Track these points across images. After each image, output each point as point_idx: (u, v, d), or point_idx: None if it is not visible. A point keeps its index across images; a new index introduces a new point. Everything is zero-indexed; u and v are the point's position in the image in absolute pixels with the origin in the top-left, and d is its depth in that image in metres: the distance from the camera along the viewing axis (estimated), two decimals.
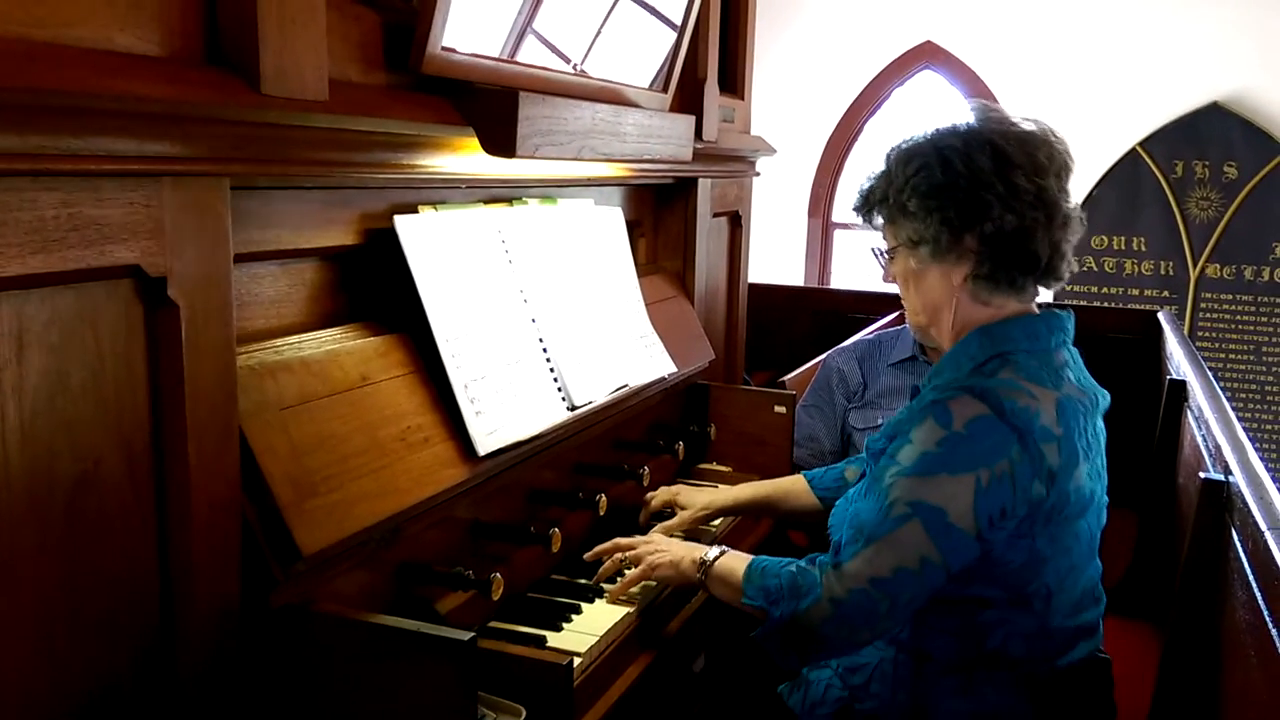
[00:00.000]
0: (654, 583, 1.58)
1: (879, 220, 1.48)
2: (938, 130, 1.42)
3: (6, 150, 0.85)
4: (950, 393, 1.34)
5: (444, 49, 1.37)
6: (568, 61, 1.66)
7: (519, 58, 1.52)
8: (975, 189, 1.34)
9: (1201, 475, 2.00)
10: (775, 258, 5.86)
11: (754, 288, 2.73)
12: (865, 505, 1.37)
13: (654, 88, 1.96)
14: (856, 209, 1.50)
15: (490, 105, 1.41)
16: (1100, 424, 1.44)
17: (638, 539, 1.61)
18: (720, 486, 1.93)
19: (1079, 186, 5.18)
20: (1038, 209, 1.35)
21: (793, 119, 5.76)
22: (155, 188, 0.99)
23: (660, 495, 1.88)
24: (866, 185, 1.48)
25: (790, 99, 5.74)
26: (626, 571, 1.57)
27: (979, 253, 1.37)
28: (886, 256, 1.49)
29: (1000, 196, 1.34)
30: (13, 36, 0.88)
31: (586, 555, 1.63)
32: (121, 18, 0.98)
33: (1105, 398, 1.46)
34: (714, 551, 1.50)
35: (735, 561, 1.47)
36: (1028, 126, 1.41)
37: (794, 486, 1.85)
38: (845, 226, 6.16)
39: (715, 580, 1.48)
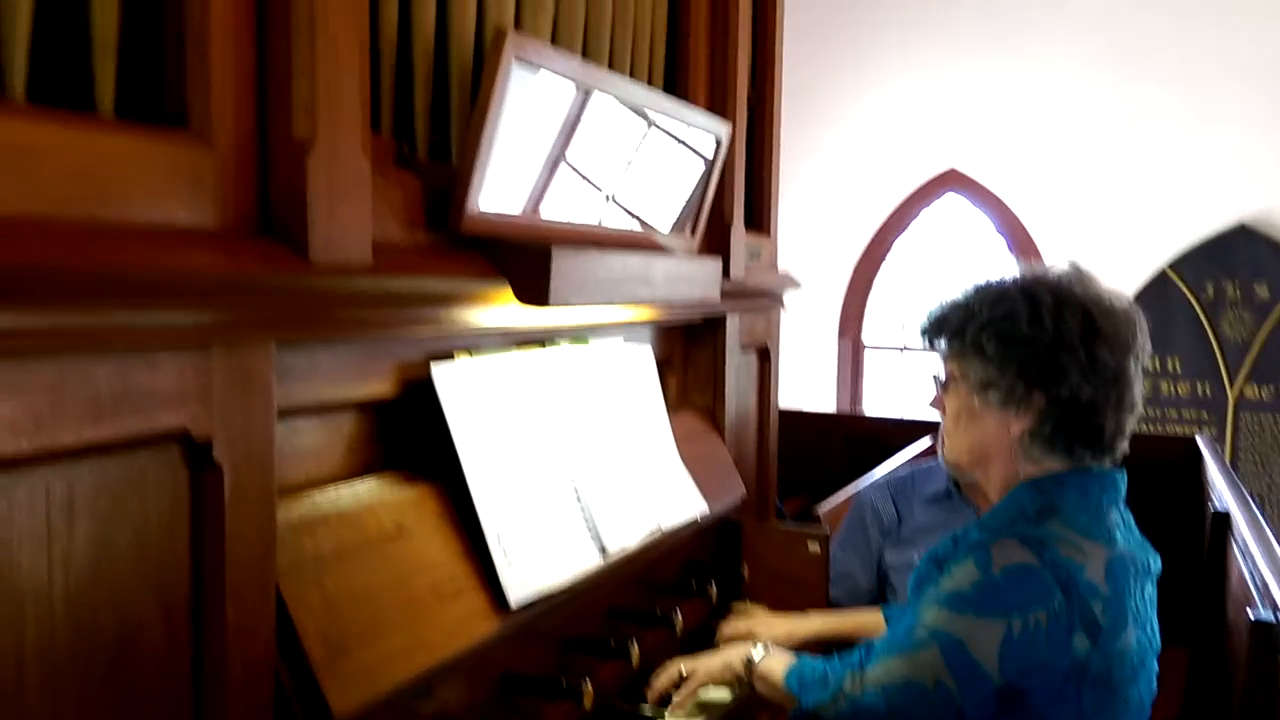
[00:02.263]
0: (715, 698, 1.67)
1: (943, 347, 1.48)
2: (1030, 278, 1.43)
3: (69, 327, 0.90)
4: (994, 537, 1.33)
5: (480, 209, 1.43)
6: (599, 190, 1.71)
7: (551, 189, 1.56)
8: (1059, 350, 1.35)
9: (1251, 615, 1.94)
10: (806, 379, 5.88)
11: (785, 414, 2.74)
12: (902, 622, 1.42)
13: (682, 231, 2.02)
14: (924, 331, 1.51)
15: (524, 260, 1.46)
16: (1152, 590, 1.41)
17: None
18: (796, 616, 1.95)
19: None
20: (1113, 386, 1.36)
21: (821, 240, 5.87)
22: (205, 354, 1.03)
23: (737, 625, 1.90)
24: (940, 311, 1.48)
25: (819, 221, 5.85)
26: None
27: (1044, 412, 1.37)
28: (943, 388, 1.49)
29: (1081, 364, 1.34)
30: (78, 217, 0.94)
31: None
32: (182, 195, 1.04)
33: (1157, 561, 1.43)
34: (760, 649, 1.60)
35: (780, 656, 1.57)
36: (1119, 302, 1.42)
37: (870, 620, 1.88)
38: (877, 348, 6.19)
39: (760, 676, 1.56)
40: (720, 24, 2.15)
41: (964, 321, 1.42)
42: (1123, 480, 1.42)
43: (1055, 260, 1.51)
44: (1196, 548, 3.11)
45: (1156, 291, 5.13)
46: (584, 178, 1.67)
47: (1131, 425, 1.40)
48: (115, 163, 0.96)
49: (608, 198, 1.74)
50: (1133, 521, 1.45)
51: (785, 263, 2.71)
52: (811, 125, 5.45)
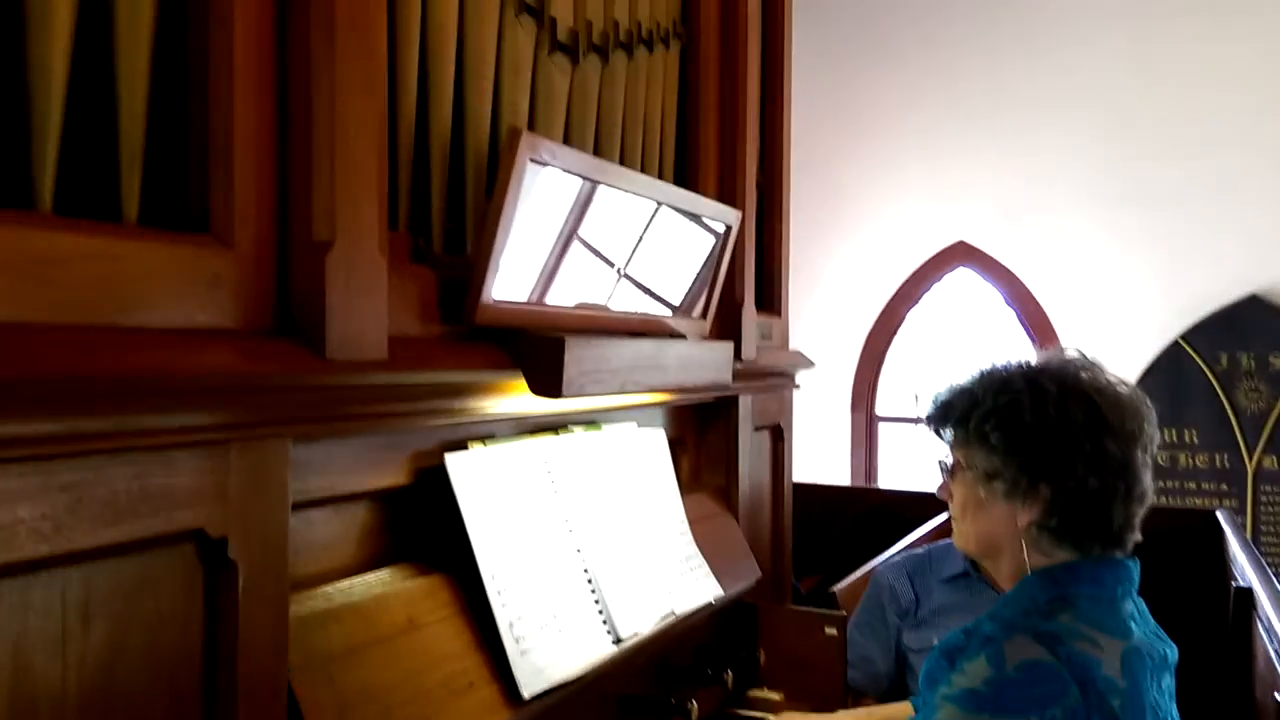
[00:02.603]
0: None
1: (948, 435, 1.47)
2: (1035, 365, 1.42)
3: (92, 432, 0.91)
4: (1007, 631, 1.31)
5: (494, 299, 1.46)
6: (611, 265, 1.73)
7: (563, 275, 1.58)
8: (1063, 441, 1.33)
9: (1277, 696, 1.90)
10: (819, 451, 5.86)
11: (798, 487, 2.72)
12: (919, 716, 1.38)
13: (694, 314, 2.04)
14: (929, 419, 1.50)
15: (538, 351, 1.48)
16: (1170, 681, 1.39)
17: None
18: (824, 717, 1.92)
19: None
20: (1120, 477, 1.34)
21: (832, 312, 5.90)
22: (223, 454, 1.05)
23: None
24: (945, 397, 1.47)
25: (829, 293, 5.89)
26: None
27: (1051, 504, 1.35)
28: (950, 474, 1.48)
29: (1086, 456, 1.32)
30: (103, 322, 0.96)
31: None
32: (202, 297, 1.06)
33: (1173, 652, 1.40)
34: None
35: None
36: (1123, 390, 1.40)
37: (901, 714, 1.84)
38: (889, 420, 6.17)
39: None
40: (729, 114, 2.20)
41: (968, 409, 1.42)
42: (1136, 569, 1.40)
43: (1064, 344, 1.51)
44: (1219, 625, 3.05)
45: (1170, 363, 5.12)
46: (596, 263, 1.69)
47: (1142, 515, 1.39)
48: (139, 269, 0.99)
49: (619, 275, 1.76)
50: (1147, 611, 1.43)
51: (796, 335, 2.73)
52: (820, 200, 5.52)
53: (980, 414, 1.39)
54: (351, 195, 1.16)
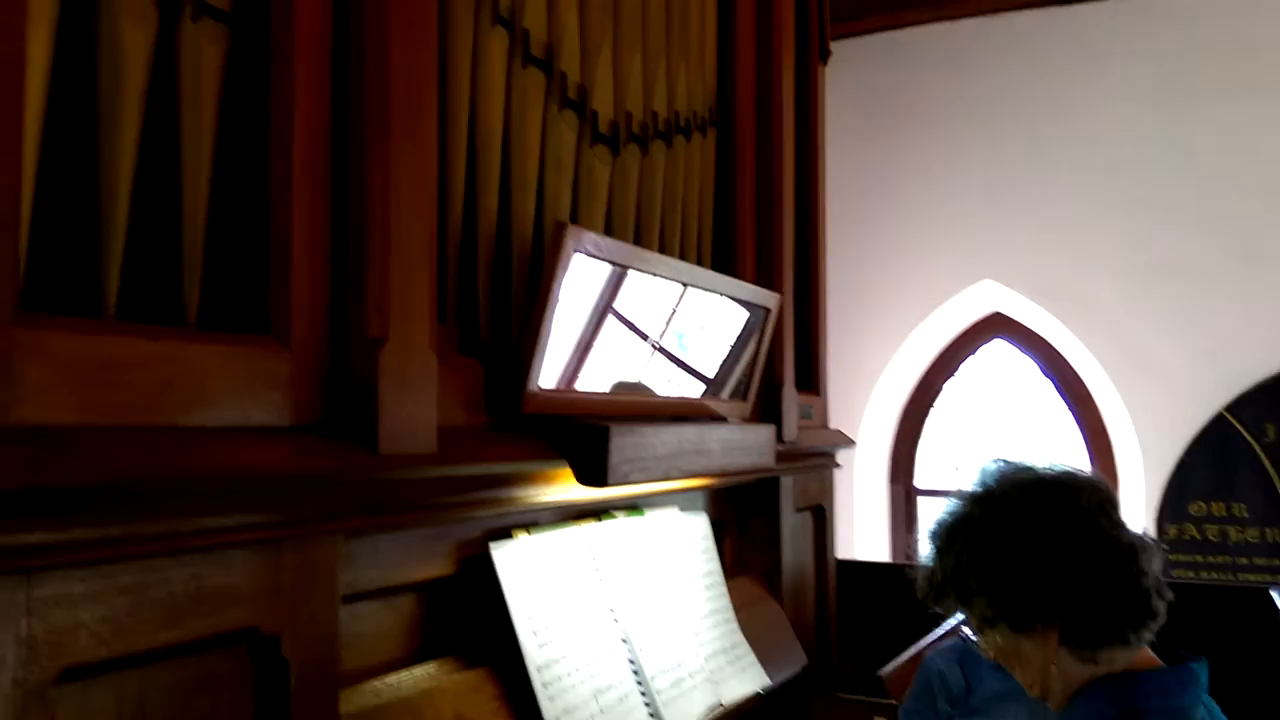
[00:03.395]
0: None
1: (949, 604, 1.42)
2: (971, 499, 1.37)
3: (153, 534, 0.92)
4: None
5: (540, 388, 1.47)
6: (653, 349, 1.73)
7: (599, 339, 1.58)
8: (1029, 560, 1.28)
9: None
10: (857, 525, 5.77)
11: (841, 564, 2.68)
12: None
13: (735, 397, 2.04)
14: (925, 600, 1.45)
15: (583, 439, 1.48)
16: None
17: None
18: None
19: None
20: (1102, 566, 1.28)
21: (866, 383, 5.86)
22: (276, 552, 1.06)
23: None
24: (924, 573, 1.43)
25: (863, 365, 5.86)
26: None
27: (1061, 619, 1.30)
28: (976, 634, 1.44)
29: (1057, 561, 1.27)
30: (162, 424, 0.98)
31: None
32: (259, 395, 1.08)
33: None
34: None
35: None
36: (1045, 473, 1.35)
37: None
38: (929, 493, 6.08)
39: None
40: (766, 198, 2.22)
41: (943, 571, 1.38)
42: (1204, 673, 1.33)
43: (1133, 463, 1.45)
44: (1276, 708, 2.94)
45: (1216, 436, 5.01)
46: (640, 347, 1.70)
47: (1160, 589, 1.31)
48: (199, 370, 1.01)
49: (662, 359, 1.77)
50: (1218, 710, 1.37)
51: (832, 406, 2.71)
52: (854, 272, 5.53)
53: (954, 572, 1.35)
54: (404, 292, 1.19)
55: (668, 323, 1.75)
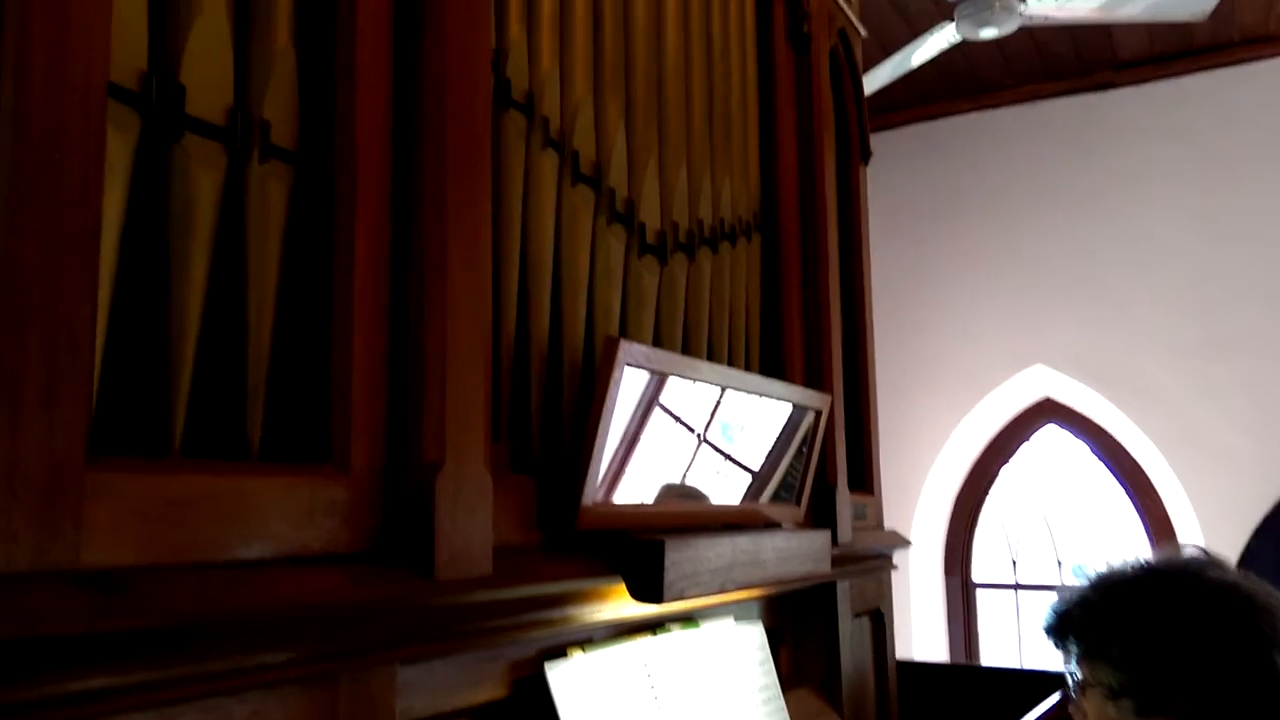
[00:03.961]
0: None
1: (1070, 650, 1.37)
2: (1154, 567, 1.33)
3: (213, 673, 0.92)
4: None
5: (594, 502, 1.46)
6: (691, 431, 1.72)
7: (643, 435, 1.57)
8: (1191, 652, 1.23)
9: None
10: (914, 620, 5.61)
11: (900, 666, 2.59)
12: None
13: (788, 501, 2.01)
14: (1047, 631, 1.41)
15: (637, 555, 1.47)
16: None
17: None
18: None
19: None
20: (1262, 686, 1.22)
21: (917, 473, 5.76)
22: (333, 684, 1.04)
23: None
24: (1061, 607, 1.37)
25: (913, 454, 5.78)
26: None
27: (1185, 713, 1.24)
28: (1079, 690, 1.38)
29: (1219, 666, 1.22)
30: (223, 559, 0.98)
31: None
32: (317, 524, 1.08)
33: None
34: None
35: None
36: (1255, 588, 1.29)
37: None
38: (987, 586, 5.91)
39: None
40: (812, 299, 2.23)
41: (1086, 620, 1.32)
42: None
43: (1183, 543, 1.43)
44: None
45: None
46: (689, 456, 1.69)
47: None
48: (260, 502, 1.02)
49: (713, 467, 1.75)
50: None
51: (883, 501, 2.66)
52: (900, 362, 5.49)
53: (1099, 625, 1.30)
54: (460, 415, 1.19)
55: (713, 415, 1.74)
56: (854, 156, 2.58)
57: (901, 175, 5.77)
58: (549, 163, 1.54)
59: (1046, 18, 3.10)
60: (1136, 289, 5.32)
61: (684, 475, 1.70)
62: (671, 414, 1.67)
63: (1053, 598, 1.40)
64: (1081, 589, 1.37)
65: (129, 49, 0.97)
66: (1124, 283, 5.34)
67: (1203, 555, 1.35)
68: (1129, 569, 1.35)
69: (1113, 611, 1.30)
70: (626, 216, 1.73)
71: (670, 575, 1.47)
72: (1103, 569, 1.37)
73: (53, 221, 0.85)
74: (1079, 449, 5.64)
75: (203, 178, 1.01)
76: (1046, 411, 5.66)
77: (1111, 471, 5.53)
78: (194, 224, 1.00)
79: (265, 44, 1.10)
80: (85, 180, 0.87)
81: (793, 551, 1.86)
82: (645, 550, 1.47)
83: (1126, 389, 5.36)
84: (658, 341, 1.81)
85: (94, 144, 0.88)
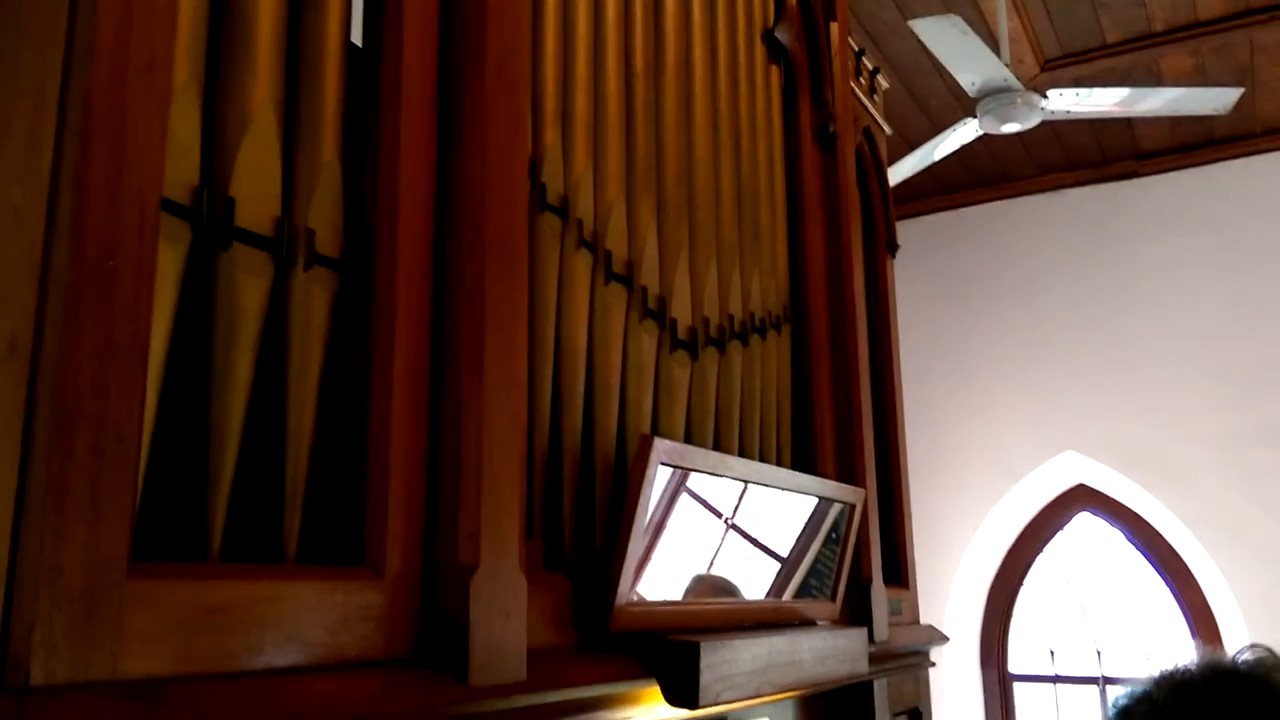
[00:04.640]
0: None
1: None
2: (1219, 665, 1.30)
3: None
4: None
5: (628, 602, 1.44)
6: (719, 516, 1.70)
7: (671, 518, 1.55)
8: None
9: None
10: (949, 714, 5.44)
11: None
12: None
13: (823, 597, 1.98)
14: (1116, 712, 1.36)
15: (673, 658, 1.44)
16: None
17: None
18: None
19: (1278, 634, 4.78)
20: None
21: (950, 562, 5.66)
22: None
23: None
24: (1124, 703, 1.34)
25: (945, 544, 5.68)
26: None
27: None
28: None
29: None
30: (259, 666, 0.98)
31: None
32: (352, 628, 1.07)
33: None
34: None
35: None
36: None
37: None
38: (1025, 678, 5.74)
39: None
40: (843, 391, 2.23)
41: (1148, 718, 1.30)
42: None
43: (1239, 641, 1.38)
44: None
45: None
46: (722, 552, 1.67)
47: None
48: (296, 608, 1.01)
49: (749, 563, 1.73)
50: None
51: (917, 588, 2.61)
52: (929, 451, 5.45)
53: None
54: (495, 517, 1.19)
55: (740, 500, 1.73)
56: (881, 249, 2.61)
57: (926, 263, 5.80)
58: (583, 263, 1.56)
59: (1068, 112, 3.15)
60: (1169, 374, 5.27)
61: (712, 561, 1.68)
62: (699, 499, 1.66)
63: (1116, 692, 1.36)
64: (1145, 687, 1.33)
65: (182, 163, 1.00)
66: (1156, 368, 5.29)
67: (1269, 655, 1.31)
68: (1194, 669, 1.31)
69: (1174, 710, 1.26)
70: (658, 313, 1.75)
71: (706, 678, 1.44)
72: (1166, 667, 1.33)
73: (105, 330, 0.87)
74: (1114, 536, 5.52)
75: (249, 286, 1.03)
76: (1080, 498, 5.57)
77: (1148, 560, 5.40)
78: (239, 331, 1.02)
79: (312, 156, 1.14)
80: (137, 291, 0.89)
81: (830, 651, 1.82)
82: (680, 652, 1.44)
83: (1161, 476, 5.27)
84: (689, 435, 1.80)
85: (146, 256, 0.90)
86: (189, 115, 1.02)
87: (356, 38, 1.28)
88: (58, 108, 0.90)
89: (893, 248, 2.63)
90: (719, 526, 1.72)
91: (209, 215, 1.01)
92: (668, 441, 1.45)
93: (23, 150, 0.89)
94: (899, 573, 2.47)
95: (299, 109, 1.16)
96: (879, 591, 2.21)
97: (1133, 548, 5.46)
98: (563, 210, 1.54)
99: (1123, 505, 5.45)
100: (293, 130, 1.15)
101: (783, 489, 1.75)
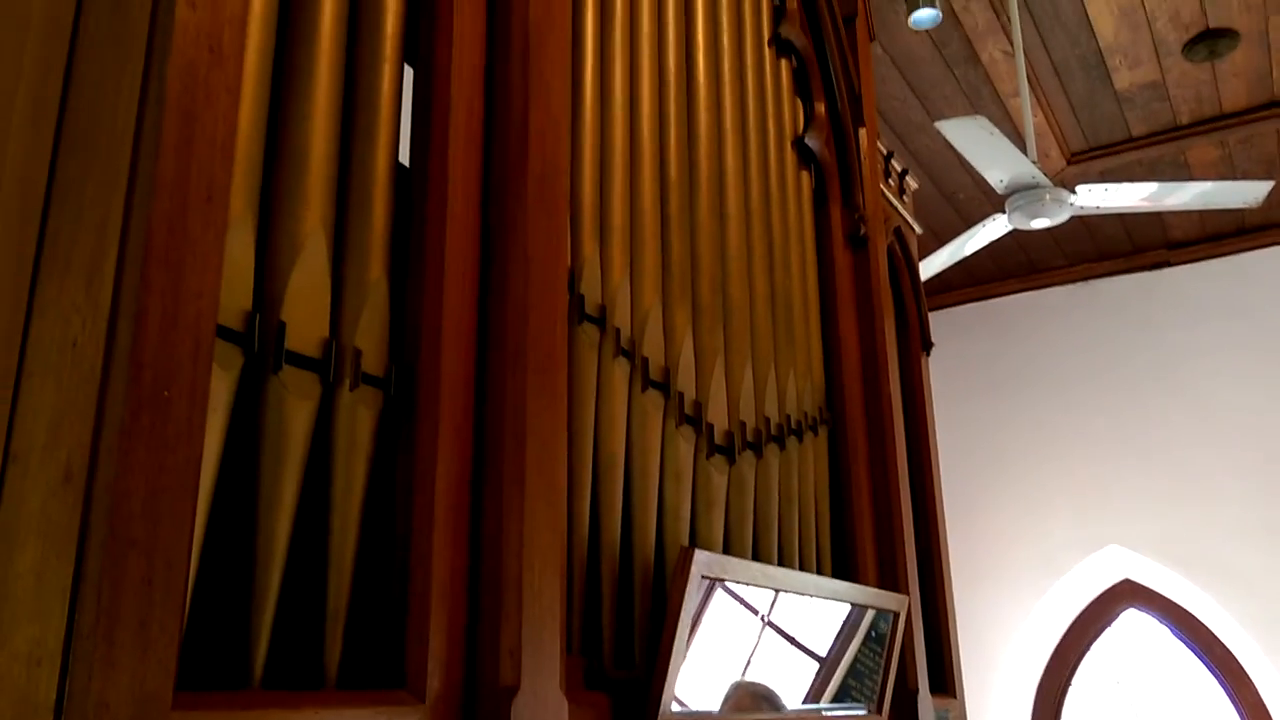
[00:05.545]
0: None
1: None
2: None
3: None
4: None
5: (670, 713, 1.41)
6: (755, 613, 1.66)
7: (706, 616, 1.51)
8: None
9: None
10: None
11: None
12: None
13: (868, 709, 1.92)
14: None
15: None
16: None
17: None
18: None
19: None
20: None
21: (992, 663, 5.49)
22: None
23: None
24: None
25: (988, 646, 5.52)
26: None
27: None
28: None
29: None
30: None
31: None
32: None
33: None
34: None
35: None
36: None
37: None
38: None
39: None
40: (882, 498, 2.20)
41: None
42: None
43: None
44: None
45: None
46: (761, 660, 1.64)
47: None
48: None
49: (789, 673, 1.68)
50: None
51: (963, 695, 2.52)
52: (968, 548, 5.34)
53: None
54: (536, 631, 1.17)
55: (776, 597, 1.70)
56: (915, 347, 2.60)
57: (957, 353, 5.78)
58: (620, 371, 1.57)
59: (1097, 207, 3.16)
60: (1213, 465, 5.16)
61: (749, 660, 1.65)
62: (735, 596, 1.63)
63: None
64: None
65: (236, 289, 1.03)
66: (1198, 458, 5.19)
67: None
68: None
69: None
70: (695, 418, 1.75)
71: None
72: None
73: (158, 458, 0.88)
74: (1164, 634, 5.34)
75: (297, 408, 1.05)
76: (1126, 595, 5.41)
77: (1199, 658, 5.21)
78: (286, 454, 1.03)
79: (360, 275, 1.16)
80: (190, 418, 0.90)
81: None
82: None
83: (1209, 570, 5.12)
84: (728, 542, 1.78)
85: (200, 383, 0.92)
86: (243, 242, 1.04)
87: (404, 157, 1.32)
88: (119, 239, 0.93)
89: (927, 346, 2.63)
90: (755, 624, 1.69)
91: (260, 340, 1.03)
92: (707, 553, 1.43)
93: (83, 283, 0.92)
94: (944, 679, 2.40)
95: (348, 229, 1.19)
96: (926, 702, 2.14)
97: (1183, 646, 5.28)
98: (600, 320, 1.56)
99: (1171, 601, 5.29)
100: (341, 250, 1.17)
101: (827, 598, 1.72)
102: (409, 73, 1.34)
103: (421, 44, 1.35)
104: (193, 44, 0.95)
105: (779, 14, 2.33)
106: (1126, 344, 5.54)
